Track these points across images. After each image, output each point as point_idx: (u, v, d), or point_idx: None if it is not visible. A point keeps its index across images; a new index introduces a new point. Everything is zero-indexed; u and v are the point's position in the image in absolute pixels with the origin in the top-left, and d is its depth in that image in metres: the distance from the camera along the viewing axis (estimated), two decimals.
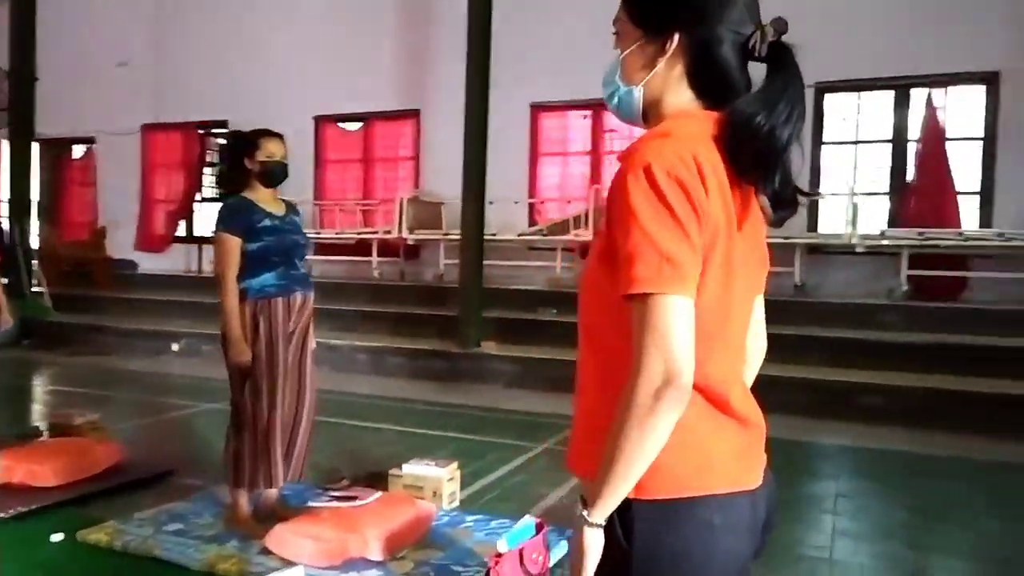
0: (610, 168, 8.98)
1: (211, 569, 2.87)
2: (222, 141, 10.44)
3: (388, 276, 9.41)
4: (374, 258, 9.25)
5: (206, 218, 11.02)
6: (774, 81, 1.09)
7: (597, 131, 9.01)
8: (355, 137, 10.43)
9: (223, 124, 10.83)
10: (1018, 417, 5.27)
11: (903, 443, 5.09)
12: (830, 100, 8.07)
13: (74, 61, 11.41)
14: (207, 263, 10.94)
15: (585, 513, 1.07)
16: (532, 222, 9.10)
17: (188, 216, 11.51)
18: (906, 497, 4.09)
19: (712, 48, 1.12)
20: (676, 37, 1.13)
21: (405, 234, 8.82)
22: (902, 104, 7.83)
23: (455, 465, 3.69)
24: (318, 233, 9.60)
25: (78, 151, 12.25)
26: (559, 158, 9.29)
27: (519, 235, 8.53)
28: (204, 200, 10.90)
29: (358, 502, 3.07)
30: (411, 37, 9.85)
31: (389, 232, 8.98)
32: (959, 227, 7.23)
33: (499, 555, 2.32)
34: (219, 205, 3.34)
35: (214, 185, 10.15)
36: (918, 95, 7.70)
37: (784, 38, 1.12)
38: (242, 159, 3.31)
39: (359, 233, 9.39)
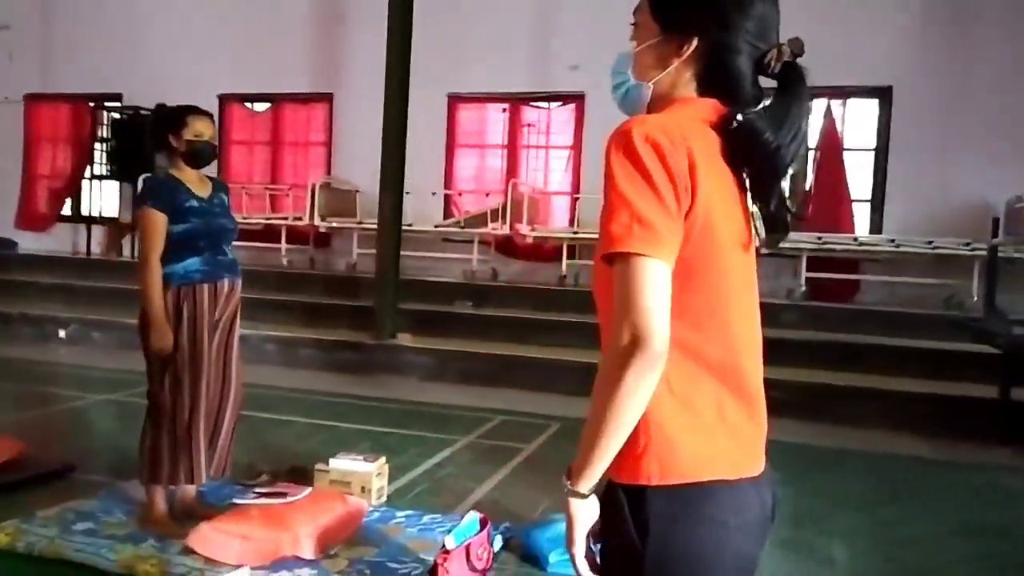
0: (527, 161, 9.04)
1: (129, 570, 2.70)
2: (116, 116, 9.81)
3: (297, 264, 9.13)
4: (283, 245, 8.95)
5: (95, 197, 10.35)
6: (784, 100, 1.11)
7: (515, 125, 9.03)
8: (263, 119, 10.05)
9: (117, 97, 10.20)
10: (907, 411, 5.66)
11: (801, 436, 5.36)
12: None
13: None
14: (96, 244, 10.30)
15: (569, 484, 1.07)
16: (448, 214, 9.03)
17: (75, 194, 10.76)
18: (810, 486, 4.31)
19: (727, 56, 1.13)
20: (694, 42, 1.13)
21: (317, 221, 8.57)
22: None
23: (383, 460, 3.62)
24: None
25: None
26: (476, 150, 9.26)
27: (436, 227, 8.44)
28: (94, 178, 10.21)
29: (288, 499, 2.97)
30: (326, 18, 9.58)
31: (300, 219, 8.70)
32: (853, 232, 7.69)
33: (447, 552, 2.31)
34: (141, 181, 3.14)
35: (107, 163, 9.58)
36: (817, 106, 8.13)
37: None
38: (166, 136, 3.11)
39: (267, 219, 9.05)
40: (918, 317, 6.98)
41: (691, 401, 1.06)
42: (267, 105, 9.99)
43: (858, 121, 8.08)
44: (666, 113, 1.12)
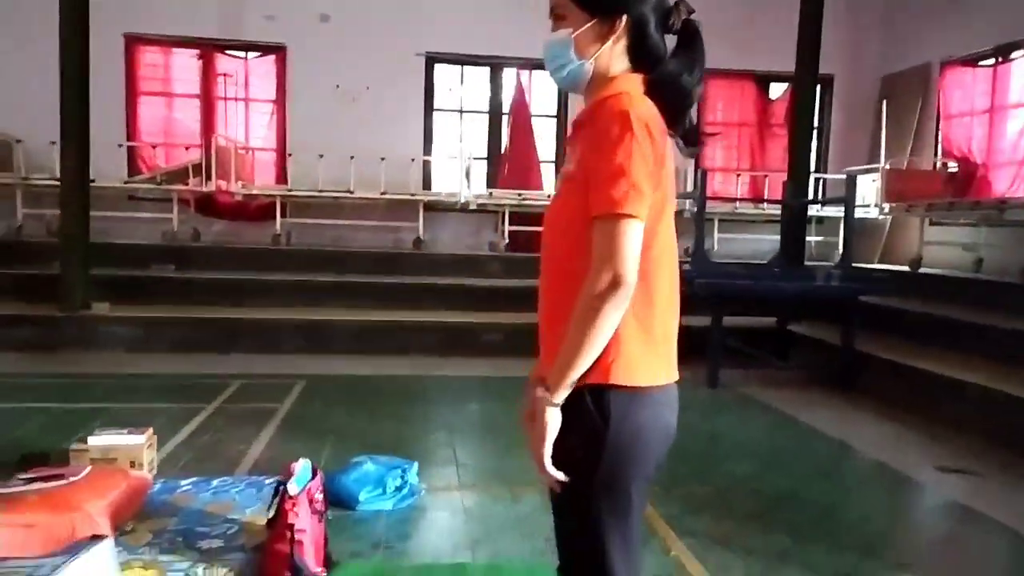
0: (227, 114, 8.50)
1: None
2: None
3: None
4: None
5: None
6: (688, 49, 1.43)
7: (209, 74, 8.42)
8: None
9: None
10: None
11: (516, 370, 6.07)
12: (439, 70, 8.86)
13: None
14: None
15: (549, 395, 1.33)
16: (134, 170, 8.16)
17: None
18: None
19: (647, 26, 1.42)
20: (624, 18, 1.40)
21: None
22: (496, 79, 8.99)
23: (151, 431, 3.38)
24: None
25: None
26: (164, 99, 8.45)
27: (125, 182, 7.61)
28: None
29: (68, 480, 2.69)
30: None
31: None
32: (543, 190, 8.66)
33: (292, 498, 2.39)
34: None
35: None
36: (508, 74, 8.92)
37: None
38: None
39: None
40: None
41: (647, 325, 1.37)
42: None
43: (544, 89, 9.02)
44: (633, 96, 1.35)
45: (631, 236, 1.29)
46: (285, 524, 2.32)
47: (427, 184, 8.71)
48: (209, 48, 8.37)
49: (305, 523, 2.35)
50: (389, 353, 6.37)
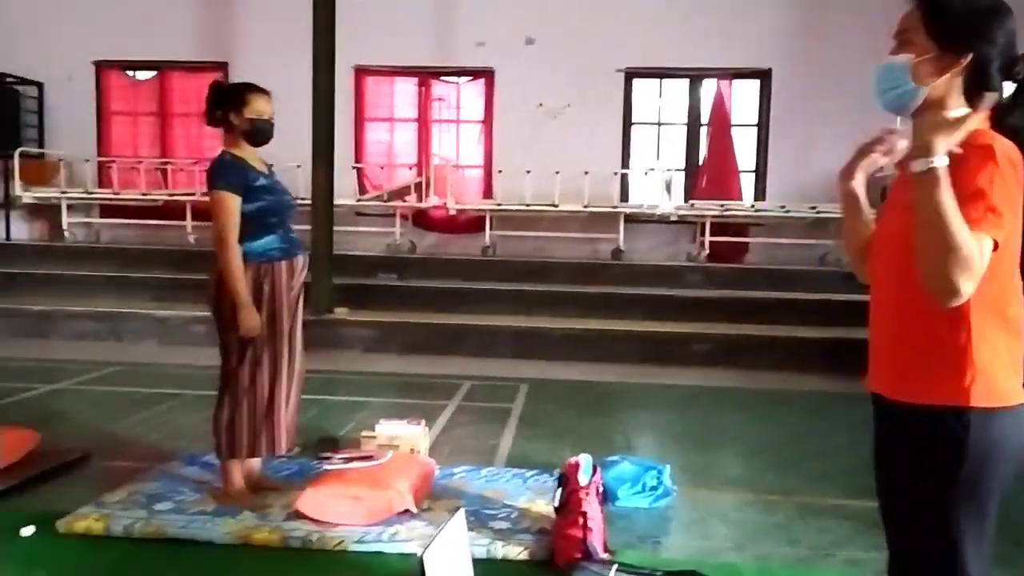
0: (440, 136, 9.18)
1: (245, 540, 2.78)
2: None
3: (201, 242, 8.74)
4: (188, 222, 8.54)
5: None
6: None
7: (425, 99, 9.14)
8: (147, 88, 9.43)
9: None
10: (811, 354, 6.54)
11: (730, 381, 6.07)
12: (638, 85, 9.05)
13: None
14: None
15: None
16: (361, 189, 9.02)
17: None
18: (767, 423, 4.97)
19: (990, 67, 1.52)
20: (969, 56, 1.51)
21: None
22: (695, 91, 9.04)
23: (424, 423, 3.82)
24: (117, 193, 8.61)
25: None
26: (386, 124, 9.27)
27: (358, 200, 8.44)
28: None
29: (376, 462, 3.13)
30: None
31: (208, 194, 8.33)
32: (741, 200, 8.59)
33: (583, 488, 2.64)
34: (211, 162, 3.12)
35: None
36: (708, 85, 8.94)
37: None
38: (227, 114, 3.11)
39: (171, 195, 8.59)
40: (798, 273, 8.01)
41: (1002, 344, 1.47)
42: (152, 73, 9.39)
43: (742, 99, 8.96)
44: (995, 136, 1.47)
45: (984, 254, 1.36)
46: (578, 511, 2.58)
47: (624, 196, 8.92)
48: (426, 75, 9.08)
49: (595, 511, 2.61)
50: (596, 360, 6.60)
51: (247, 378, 3.07)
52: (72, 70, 9.10)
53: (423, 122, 9.18)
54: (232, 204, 3.01)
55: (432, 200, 8.43)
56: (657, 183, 8.27)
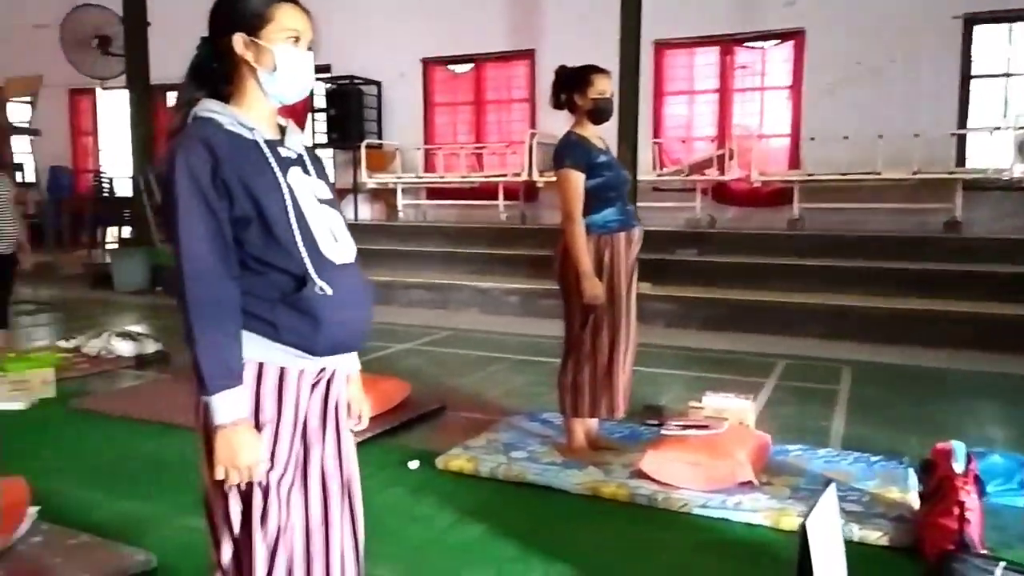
0: (743, 105, 8.88)
1: (594, 492, 2.99)
2: (329, 86, 10.34)
3: (511, 220, 9.42)
4: (500, 201, 9.26)
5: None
6: None
7: (727, 68, 8.88)
8: (465, 79, 10.34)
9: (325, 69, 10.74)
10: None
11: None
12: (979, 32, 7.91)
13: (163, 3, 11.25)
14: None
15: None
16: (660, 163, 9.05)
17: None
18: None
19: None
20: None
21: (535, 176, 8.80)
22: None
23: (752, 397, 3.78)
24: (443, 177, 9.62)
25: (172, 98, 12.18)
26: (685, 97, 9.18)
27: (659, 175, 8.50)
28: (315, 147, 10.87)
29: (713, 431, 3.17)
30: None
31: (519, 175, 8.97)
32: None
33: (961, 476, 2.41)
34: (555, 143, 3.36)
35: (327, 132, 10.14)
36: None
37: None
38: (571, 96, 3.31)
39: (486, 177, 9.38)
40: None
41: None
42: (469, 66, 10.26)
43: None
44: None
45: None
46: (954, 500, 2.38)
47: (961, 160, 7.88)
48: (729, 42, 8.81)
49: (973, 502, 2.39)
50: (920, 343, 5.97)
51: (589, 343, 3.27)
52: (404, 68, 10.28)
53: (724, 92, 8.93)
54: (577, 181, 3.20)
55: (734, 172, 8.20)
56: (1006, 144, 7.19)
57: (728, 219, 8.84)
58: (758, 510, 2.77)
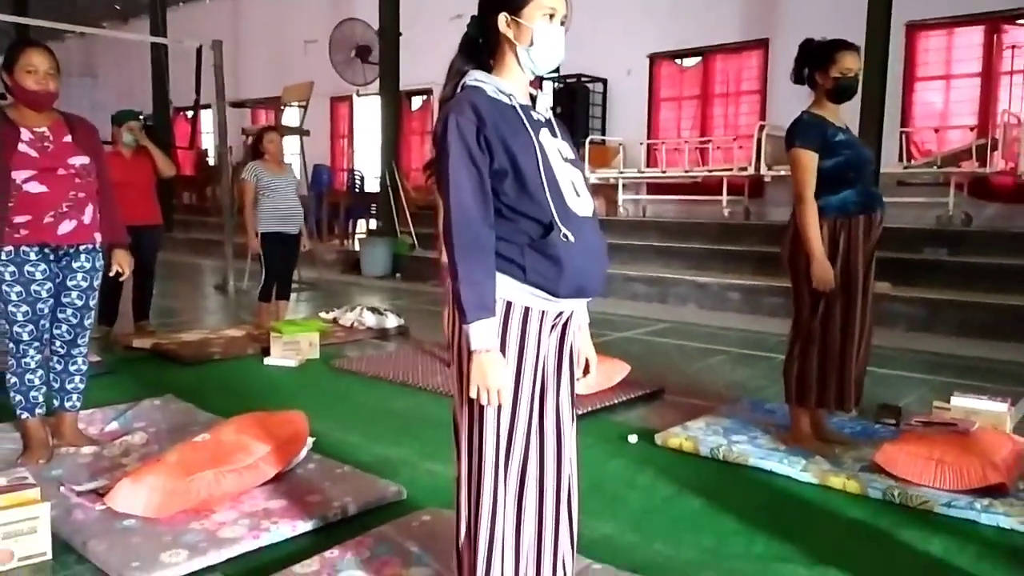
0: (1010, 91, 7.91)
1: (822, 482, 2.89)
2: (556, 85, 10.68)
3: (734, 216, 9.16)
4: (724, 197, 9.04)
5: None
6: None
7: (993, 50, 7.95)
8: (692, 73, 10.20)
9: (554, 68, 11.11)
10: None
11: None
12: None
13: (410, 17, 12.26)
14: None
15: None
16: (907, 155, 8.32)
17: None
18: None
19: None
20: None
21: (763, 170, 8.48)
22: None
23: (1010, 401, 3.41)
24: (664, 172, 9.60)
25: (416, 102, 13.28)
26: (940, 82, 8.36)
27: (905, 167, 7.84)
28: None
29: (965, 430, 2.92)
30: None
31: (745, 169, 8.70)
32: None
33: None
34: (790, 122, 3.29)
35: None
36: None
37: None
38: (813, 73, 3.21)
39: (710, 171, 9.21)
40: None
41: None
42: (697, 59, 10.12)
43: None
44: None
45: None
46: None
47: None
48: (997, 20, 7.88)
49: None
50: None
51: (819, 330, 3.15)
52: (631, 65, 10.37)
53: (989, 75, 7.99)
54: (809, 161, 3.10)
55: (996, 165, 7.32)
56: None
57: (988, 217, 7.92)
58: (1012, 515, 2.52)
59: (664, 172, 9.65)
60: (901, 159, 8.26)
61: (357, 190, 12.63)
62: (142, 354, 5.04)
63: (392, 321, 5.97)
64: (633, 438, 3.40)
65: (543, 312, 1.66)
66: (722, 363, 5.24)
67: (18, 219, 2.84)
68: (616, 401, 3.90)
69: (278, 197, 5.57)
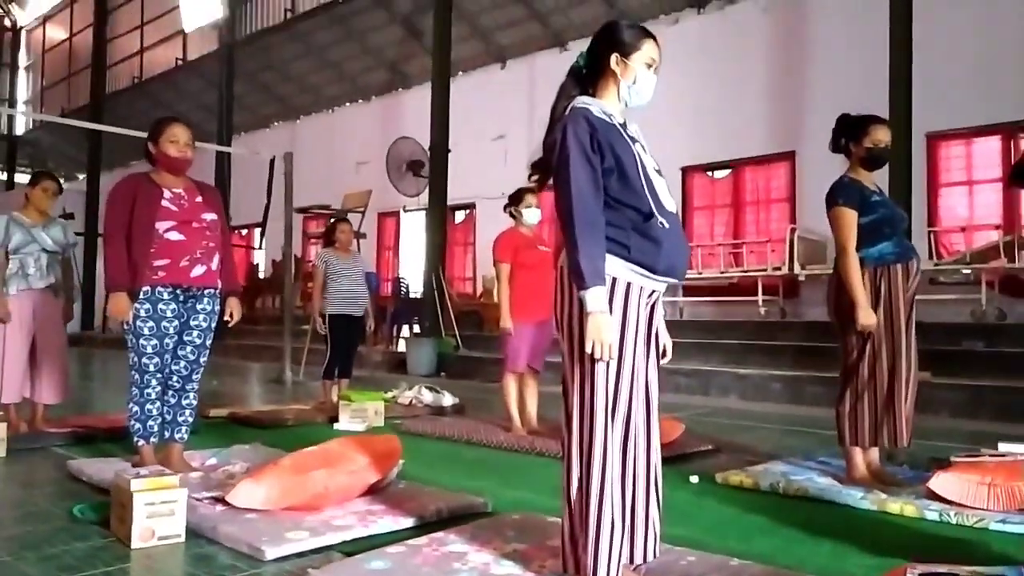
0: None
1: (880, 508, 3.06)
2: None
3: (770, 315, 9.43)
4: (759, 296, 9.36)
5: None
6: None
7: (1010, 155, 8.44)
8: (722, 183, 10.81)
9: None
10: None
11: None
12: None
13: (455, 135, 13.16)
14: None
15: None
16: (936, 254, 8.66)
17: None
18: None
19: None
20: None
21: (796, 270, 8.84)
22: None
23: None
24: (700, 273, 10.03)
25: (459, 216, 14.05)
26: (963, 188, 8.82)
27: (935, 266, 8.16)
28: None
29: (1013, 459, 3.10)
30: (782, 80, 10.10)
31: (779, 268, 9.07)
32: None
33: None
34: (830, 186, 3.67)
35: None
36: None
37: None
38: (849, 142, 3.63)
39: (745, 271, 9.59)
40: None
41: None
42: (727, 171, 10.75)
43: None
44: None
45: None
46: None
47: None
48: (1012, 130, 8.42)
49: None
50: None
51: (867, 371, 3.40)
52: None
53: (1006, 181, 8.44)
54: (850, 218, 3.47)
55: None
56: None
57: (1021, 312, 8.12)
58: None
59: (700, 273, 10.04)
60: (931, 257, 8.59)
61: (403, 295, 13.17)
62: (220, 420, 5.36)
63: (449, 399, 6.26)
64: (694, 479, 3.60)
65: (640, 288, 2.00)
66: (771, 434, 5.41)
67: (157, 263, 3.29)
68: (673, 454, 4.09)
69: (346, 282, 6.04)
